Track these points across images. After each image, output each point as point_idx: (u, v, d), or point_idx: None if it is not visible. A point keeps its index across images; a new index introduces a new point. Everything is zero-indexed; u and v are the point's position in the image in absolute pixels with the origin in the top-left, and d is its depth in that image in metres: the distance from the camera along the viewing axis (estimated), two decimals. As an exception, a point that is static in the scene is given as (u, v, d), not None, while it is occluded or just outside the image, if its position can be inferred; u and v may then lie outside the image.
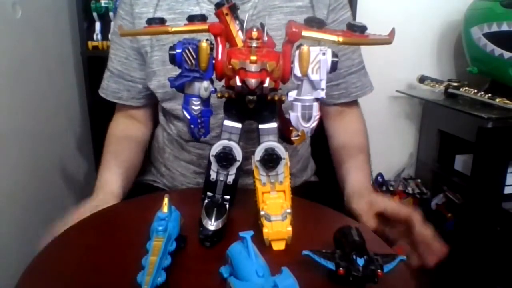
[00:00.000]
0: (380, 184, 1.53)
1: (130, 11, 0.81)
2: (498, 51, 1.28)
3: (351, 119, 0.90)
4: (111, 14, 1.30)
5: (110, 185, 0.75)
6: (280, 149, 0.50)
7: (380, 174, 1.56)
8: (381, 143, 1.86)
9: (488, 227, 1.27)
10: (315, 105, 0.49)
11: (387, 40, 0.52)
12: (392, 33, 0.52)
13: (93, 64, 1.27)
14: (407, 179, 1.61)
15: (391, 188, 1.49)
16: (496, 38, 1.28)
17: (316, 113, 0.49)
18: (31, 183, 1.01)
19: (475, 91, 1.32)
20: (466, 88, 1.37)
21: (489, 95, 1.26)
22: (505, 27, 1.25)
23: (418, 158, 1.70)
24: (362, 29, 0.49)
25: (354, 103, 0.91)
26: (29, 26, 1.01)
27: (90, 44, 1.27)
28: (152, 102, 0.90)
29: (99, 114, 1.29)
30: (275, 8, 0.79)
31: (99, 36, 1.29)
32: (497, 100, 1.23)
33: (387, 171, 1.62)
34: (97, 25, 1.29)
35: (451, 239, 1.38)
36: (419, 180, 1.58)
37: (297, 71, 0.48)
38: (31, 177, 1.01)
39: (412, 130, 1.70)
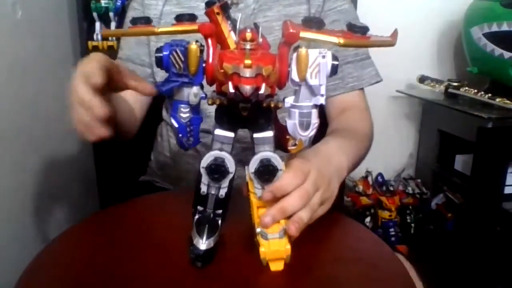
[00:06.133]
0: (380, 184, 1.53)
1: (141, 2, 0.84)
2: (498, 51, 1.28)
3: (353, 116, 0.82)
4: (111, 14, 1.30)
5: None
6: (276, 159, 0.47)
7: (380, 174, 1.56)
8: (381, 143, 1.86)
9: (488, 227, 1.27)
10: (314, 112, 0.46)
11: (390, 42, 0.48)
12: (395, 34, 0.49)
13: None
14: (407, 179, 1.61)
15: (391, 188, 1.49)
16: (496, 38, 1.28)
17: (315, 121, 0.46)
18: (31, 183, 1.01)
19: (475, 91, 1.32)
20: (466, 88, 1.37)
21: (489, 95, 1.26)
22: (505, 27, 1.25)
23: (418, 158, 1.70)
24: (364, 30, 0.46)
25: (357, 100, 0.84)
26: (29, 26, 1.01)
27: (90, 44, 1.27)
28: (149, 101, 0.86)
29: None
30: (275, 2, 0.82)
31: (99, 36, 1.29)
32: (497, 100, 1.23)
33: (387, 171, 1.61)
34: (97, 25, 1.29)
35: (451, 239, 1.39)
36: (419, 180, 1.58)
37: (294, 76, 0.44)
38: (31, 177, 1.01)
39: (412, 130, 1.70)
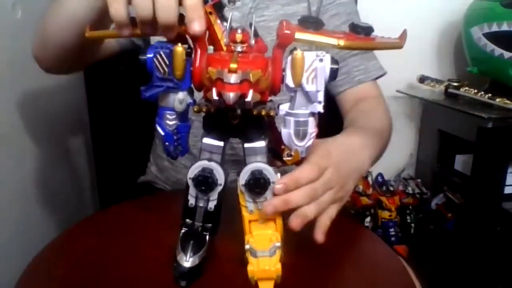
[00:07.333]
0: (380, 184, 1.53)
1: None
2: (498, 51, 1.28)
3: (368, 107, 0.81)
4: (111, 14, 1.30)
5: None
6: (269, 171, 0.43)
7: (380, 174, 1.56)
8: (381, 143, 1.87)
9: (488, 227, 1.27)
10: (311, 120, 0.43)
11: (397, 44, 0.43)
12: (404, 35, 0.44)
13: (93, 64, 1.27)
14: (407, 179, 1.61)
15: (391, 188, 1.49)
16: (496, 38, 1.28)
17: (312, 130, 0.43)
18: (31, 183, 1.01)
19: (475, 91, 1.32)
20: (466, 88, 1.37)
21: (489, 95, 1.26)
22: (505, 27, 1.25)
23: (418, 158, 1.70)
24: (368, 30, 0.42)
25: (370, 91, 0.84)
26: (29, 26, 1.01)
27: (90, 44, 1.27)
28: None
29: (99, 114, 1.29)
30: (272, 0, 0.79)
31: (99, 36, 1.29)
32: (497, 100, 1.23)
33: (387, 171, 1.61)
34: (97, 25, 1.29)
35: (451, 239, 1.39)
36: (419, 180, 1.58)
37: (289, 81, 0.41)
38: (31, 177, 1.01)
39: (412, 130, 1.70)
